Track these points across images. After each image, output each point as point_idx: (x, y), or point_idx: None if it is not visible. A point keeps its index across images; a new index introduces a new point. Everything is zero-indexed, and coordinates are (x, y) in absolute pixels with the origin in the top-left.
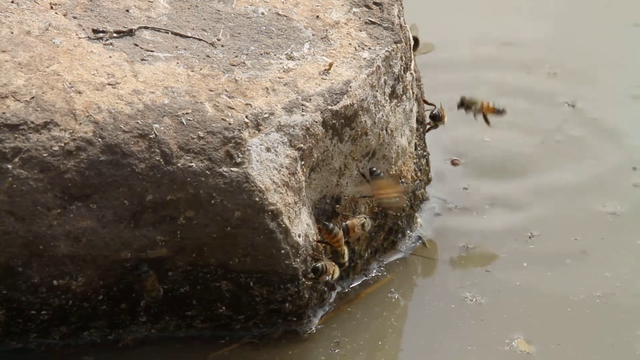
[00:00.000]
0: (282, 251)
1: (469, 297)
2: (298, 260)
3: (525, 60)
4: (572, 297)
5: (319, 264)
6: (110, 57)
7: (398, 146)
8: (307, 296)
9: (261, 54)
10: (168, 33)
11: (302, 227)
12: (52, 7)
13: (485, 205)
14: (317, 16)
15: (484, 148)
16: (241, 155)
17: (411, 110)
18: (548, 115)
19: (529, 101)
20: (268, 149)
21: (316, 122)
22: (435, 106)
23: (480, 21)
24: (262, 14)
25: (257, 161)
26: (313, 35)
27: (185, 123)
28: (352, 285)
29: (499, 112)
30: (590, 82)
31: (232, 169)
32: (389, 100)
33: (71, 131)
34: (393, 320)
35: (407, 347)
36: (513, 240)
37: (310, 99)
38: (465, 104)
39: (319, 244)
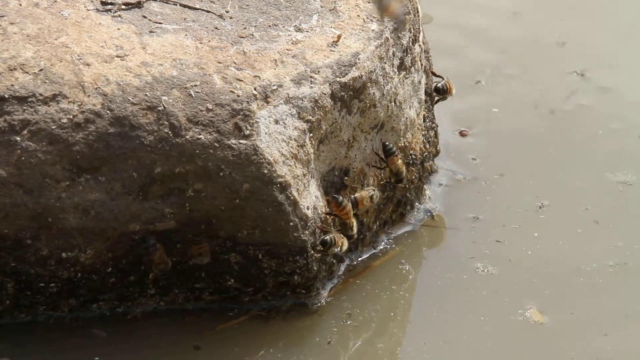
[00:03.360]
0: (291, 223)
1: (480, 267)
2: (307, 232)
3: (533, 29)
4: (585, 266)
5: (327, 237)
6: (118, 29)
7: (406, 118)
8: (315, 268)
9: (269, 26)
10: (176, 5)
11: (310, 199)
12: None
13: (494, 175)
14: None
15: (492, 118)
16: (249, 128)
17: (419, 82)
18: (557, 84)
19: (537, 70)
20: (276, 121)
21: (325, 94)
22: (443, 78)
23: None
24: None
25: (266, 133)
26: (321, 6)
27: (193, 95)
28: (361, 258)
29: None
30: (599, 51)
31: (240, 141)
32: (397, 72)
33: (80, 103)
34: (404, 291)
35: (419, 318)
36: (523, 210)
37: (318, 71)
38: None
39: (328, 217)
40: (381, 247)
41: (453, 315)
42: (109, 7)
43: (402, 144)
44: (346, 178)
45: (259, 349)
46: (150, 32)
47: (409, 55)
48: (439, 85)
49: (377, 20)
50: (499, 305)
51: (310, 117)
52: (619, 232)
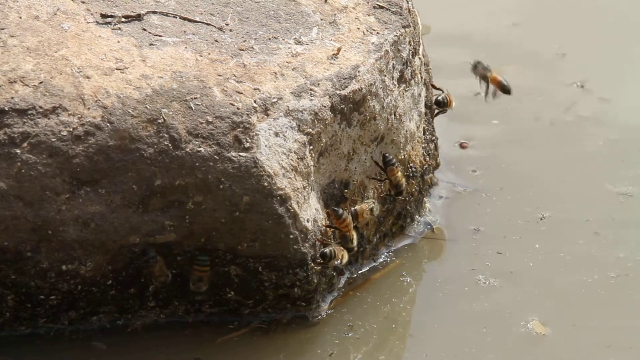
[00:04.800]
0: (291, 236)
1: (481, 279)
2: (307, 245)
3: (533, 40)
4: (586, 278)
5: (327, 249)
6: (118, 41)
7: (406, 131)
8: (316, 281)
9: (269, 39)
10: (176, 18)
11: (310, 211)
12: None
13: (494, 187)
14: (326, 0)
15: (492, 130)
16: (250, 140)
17: (419, 95)
18: (557, 95)
19: (537, 82)
20: (276, 134)
21: (325, 106)
22: (442, 91)
23: (489, 2)
24: None
25: (266, 146)
26: (321, 19)
27: (193, 108)
28: (361, 271)
29: (504, 88)
30: (599, 62)
31: (240, 153)
32: (397, 85)
33: (80, 116)
34: (405, 304)
35: (420, 330)
36: (524, 222)
37: (318, 84)
38: (477, 69)
39: (328, 229)
40: (381, 260)
41: (454, 327)
42: (109, 19)
43: (402, 157)
44: (346, 191)
45: None
46: (150, 44)
47: (408, 68)
48: (440, 98)
49: (377, 32)
50: (500, 317)
51: (310, 130)
52: (620, 244)
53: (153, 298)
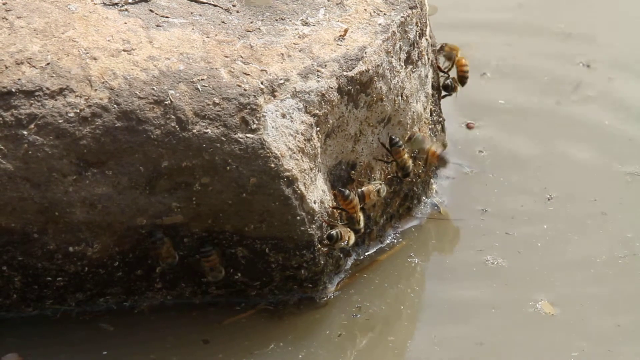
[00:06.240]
0: (298, 217)
1: (490, 260)
2: (313, 226)
3: (539, 20)
4: (594, 258)
5: (334, 231)
6: (125, 23)
7: (413, 112)
8: (322, 262)
9: (276, 20)
10: None
11: (317, 193)
12: None
13: (502, 167)
14: None
15: (499, 110)
16: (256, 122)
17: (426, 76)
18: (563, 75)
19: (543, 62)
20: (283, 115)
21: (331, 88)
22: (448, 74)
23: None
24: None
25: (273, 127)
26: (328, 0)
27: (200, 89)
28: (368, 252)
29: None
30: (605, 42)
31: (247, 135)
32: (404, 66)
33: (86, 97)
34: (413, 285)
35: (429, 311)
36: (532, 202)
37: (325, 65)
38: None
39: (335, 211)
40: (388, 241)
41: (463, 308)
42: (116, 1)
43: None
44: (353, 172)
45: (268, 343)
46: (157, 26)
47: (415, 49)
48: (447, 82)
49: (384, 14)
50: (509, 297)
51: (317, 111)
52: (628, 223)
53: (160, 280)
